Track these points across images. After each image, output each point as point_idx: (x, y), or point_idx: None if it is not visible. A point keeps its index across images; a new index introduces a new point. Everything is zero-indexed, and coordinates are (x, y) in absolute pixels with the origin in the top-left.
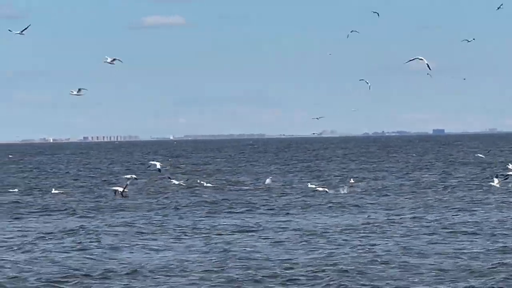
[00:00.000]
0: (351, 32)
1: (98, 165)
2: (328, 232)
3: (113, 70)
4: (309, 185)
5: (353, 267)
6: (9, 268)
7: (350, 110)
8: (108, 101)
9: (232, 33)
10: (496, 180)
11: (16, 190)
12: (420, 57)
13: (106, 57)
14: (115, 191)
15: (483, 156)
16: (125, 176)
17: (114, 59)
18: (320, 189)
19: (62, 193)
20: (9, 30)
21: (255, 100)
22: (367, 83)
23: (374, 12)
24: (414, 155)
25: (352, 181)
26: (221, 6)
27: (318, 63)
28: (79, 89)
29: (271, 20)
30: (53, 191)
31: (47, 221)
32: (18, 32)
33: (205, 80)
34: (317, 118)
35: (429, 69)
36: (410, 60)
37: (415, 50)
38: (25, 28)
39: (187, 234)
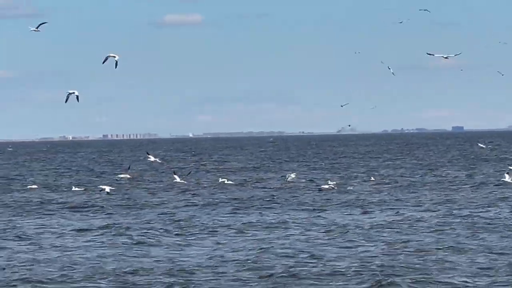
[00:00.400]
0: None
1: (121, 163)
2: (359, 228)
3: (132, 68)
4: (329, 183)
5: (389, 263)
6: (44, 265)
7: (369, 108)
8: (127, 99)
9: (251, 31)
10: (507, 176)
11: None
12: (444, 55)
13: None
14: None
15: (483, 146)
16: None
17: (107, 57)
18: (327, 187)
19: (85, 190)
20: (31, 29)
21: (274, 97)
22: (389, 68)
23: (424, 10)
24: (436, 152)
25: (372, 178)
26: (240, 5)
27: (337, 60)
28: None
29: (290, 18)
30: (73, 188)
31: (77, 219)
32: (34, 28)
33: (224, 79)
34: (342, 106)
35: (453, 55)
36: (443, 56)
37: (435, 47)
38: (41, 24)
39: (217, 231)
